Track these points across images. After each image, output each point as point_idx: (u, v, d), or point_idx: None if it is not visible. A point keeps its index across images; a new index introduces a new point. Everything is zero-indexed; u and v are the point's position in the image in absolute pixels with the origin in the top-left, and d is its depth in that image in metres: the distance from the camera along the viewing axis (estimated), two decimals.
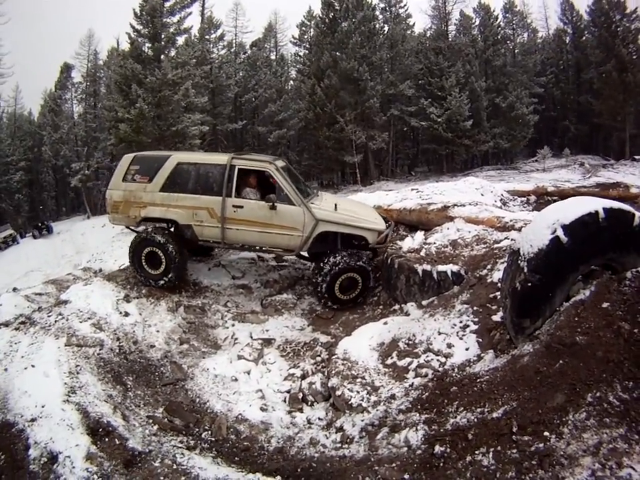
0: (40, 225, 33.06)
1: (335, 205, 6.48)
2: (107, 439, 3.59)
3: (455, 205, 7.31)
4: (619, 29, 31.21)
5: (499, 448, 2.96)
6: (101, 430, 3.64)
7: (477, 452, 3.03)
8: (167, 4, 24.00)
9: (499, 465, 2.87)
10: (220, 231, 6.37)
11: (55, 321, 5.10)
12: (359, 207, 7.30)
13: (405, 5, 38.13)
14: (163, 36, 23.91)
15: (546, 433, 2.87)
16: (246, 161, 6.48)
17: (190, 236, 6.51)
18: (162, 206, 6.42)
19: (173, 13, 24.32)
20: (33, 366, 4.23)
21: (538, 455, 2.79)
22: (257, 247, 6.73)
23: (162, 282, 6.38)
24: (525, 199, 10.10)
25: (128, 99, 22.90)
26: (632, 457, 2.56)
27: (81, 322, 5.10)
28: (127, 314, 5.54)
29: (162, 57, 24.05)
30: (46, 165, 41.04)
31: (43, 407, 3.72)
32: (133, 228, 6.90)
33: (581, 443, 2.73)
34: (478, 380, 3.65)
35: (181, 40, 26.48)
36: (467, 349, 4.27)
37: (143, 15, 23.36)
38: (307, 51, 38.36)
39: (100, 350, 4.74)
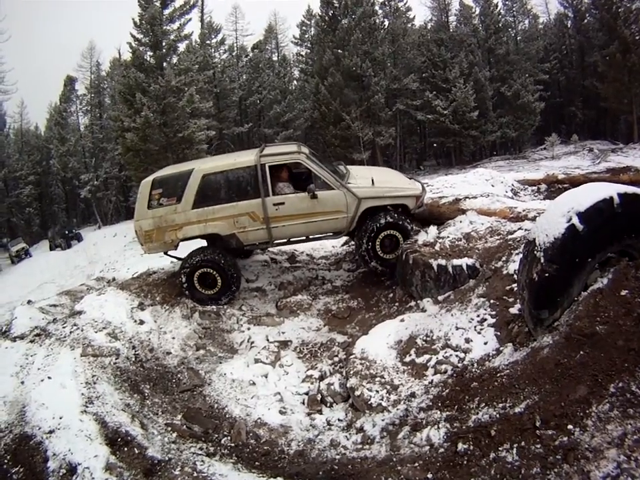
0: (68, 233, 31.40)
1: (372, 179, 6.49)
2: (125, 449, 3.59)
3: (466, 197, 7.22)
4: (620, 10, 30.68)
5: (522, 443, 2.91)
6: (119, 439, 3.65)
7: (500, 448, 2.98)
8: (166, 11, 24.04)
9: (523, 461, 2.83)
10: (266, 231, 6.38)
11: (70, 332, 5.12)
12: (392, 175, 7.48)
13: None
14: (164, 44, 23.93)
15: (570, 426, 2.82)
16: (275, 157, 6.41)
17: (235, 244, 6.49)
18: (199, 223, 6.34)
19: (172, 21, 24.34)
20: (49, 377, 4.25)
21: (562, 449, 2.75)
22: (304, 237, 6.79)
23: (223, 300, 6.43)
24: (536, 187, 9.97)
25: (133, 108, 23.00)
26: None
27: (96, 332, 5.12)
28: (141, 322, 5.56)
29: (164, 64, 24.10)
30: (55, 178, 41.38)
31: (60, 418, 3.73)
32: (171, 254, 6.85)
33: (605, 435, 2.67)
34: (498, 374, 3.60)
35: (182, 47, 26.57)
36: (485, 343, 4.21)
37: (143, 24, 23.41)
38: (308, 50, 38.39)
39: (116, 359, 4.76)
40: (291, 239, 6.79)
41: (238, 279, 6.56)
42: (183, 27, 24.72)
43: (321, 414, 4.39)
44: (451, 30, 33.01)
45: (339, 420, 4.23)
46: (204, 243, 7.00)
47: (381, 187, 6.48)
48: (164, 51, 23.93)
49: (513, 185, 9.73)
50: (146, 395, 4.48)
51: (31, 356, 4.75)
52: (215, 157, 7.90)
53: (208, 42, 33.61)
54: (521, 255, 4.05)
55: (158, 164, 23.27)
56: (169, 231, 6.40)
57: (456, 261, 5.38)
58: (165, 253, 6.91)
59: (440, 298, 5.32)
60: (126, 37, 24.56)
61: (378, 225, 6.33)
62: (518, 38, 36.30)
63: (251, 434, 4.09)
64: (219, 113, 31.23)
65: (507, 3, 36.92)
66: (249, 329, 6.01)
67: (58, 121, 38.21)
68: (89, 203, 38.03)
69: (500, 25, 35.12)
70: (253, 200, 6.26)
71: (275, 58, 38.99)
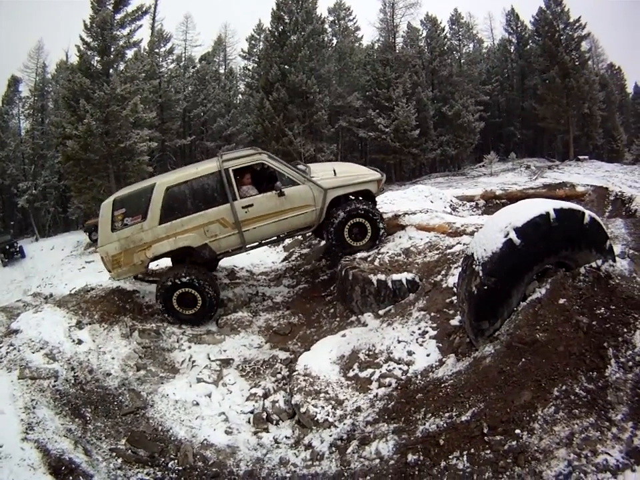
0: (9, 247, 26.47)
1: (333, 170, 6.61)
2: (70, 477, 3.41)
3: (406, 213, 7.40)
4: (562, 37, 33.19)
5: (472, 450, 2.99)
6: (63, 468, 3.45)
7: (450, 456, 3.04)
8: (118, 16, 23.44)
9: (474, 467, 2.89)
10: (238, 236, 6.28)
11: (7, 353, 4.78)
12: (350, 166, 7.66)
13: (354, 18, 39.13)
14: (112, 49, 23.29)
15: (517, 431, 2.92)
16: (238, 160, 6.35)
17: (209, 255, 6.32)
18: (168, 238, 6.11)
19: (123, 26, 23.73)
20: None
21: (512, 452, 2.84)
22: (276, 237, 6.76)
23: (206, 319, 6.27)
24: (474, 203, 10.39)
25: (76, 115, 22.13)
26: (605, 443, 2.65)
27: (33, 352, 4.80)
28: (80, 342, 5.27)
29: (111, 70, 23.43)
30: None
31: (1, 446, 3.48)
32: (142, 277, 6.62)
33: (553, 436, 2.79)
34: (442, 385, 3.68)
35: (130, 53, 25.89)
36: (428, 355, 4.30)
37: (93, 27, 22.67)
38: (255, 65, 38.27)
39: (55, 381, 4.49)
40: (261, 242, 6.71)
41: (218, 294, 6.38)
42: (133, 33, 24.20)
43: (268, 432, 4.30)
44: (397, 51, 34.06)
45: (286, 437, 4.16)
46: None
47: (343, 176, 6.61)
48: (112, 56, 23.27)
49: (451, 200, 10.09)
50: (88, 419, 4.24)
51: None
52: (174, 170, 7.69)
53: (156, 50, 32.94)
54: (459, 269, 4.18)
55: (98, 174, 22.57)
56: (138, 252, 6.11)
57: (395, 276, 5.50)
58: (135, 277, 6.64)
59: (381, 312, 5.40)
60: (75, 39, 23.55)
61: (346, 211, 6.40)
62: (462, 61, 38.05)
63: (198, 456, 3.95)
64: (162, 124, 30.54)
65: (453, 27, 38.84)
66: (189, 347, 5.81)
67: None
68: (27, 213, 35.63)
69: (445, 47, 36.81)
70: (221, 206, 6.16)
71: (221, 70, 38.78)
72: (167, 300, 6.12)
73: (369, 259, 6.22)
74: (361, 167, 7.48)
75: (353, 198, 6.59)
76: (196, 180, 6.20)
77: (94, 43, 23.06)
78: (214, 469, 3.83)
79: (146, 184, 6.45)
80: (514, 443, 2.87)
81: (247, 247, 6.53)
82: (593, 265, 3.60)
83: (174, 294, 6.11)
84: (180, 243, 6.14)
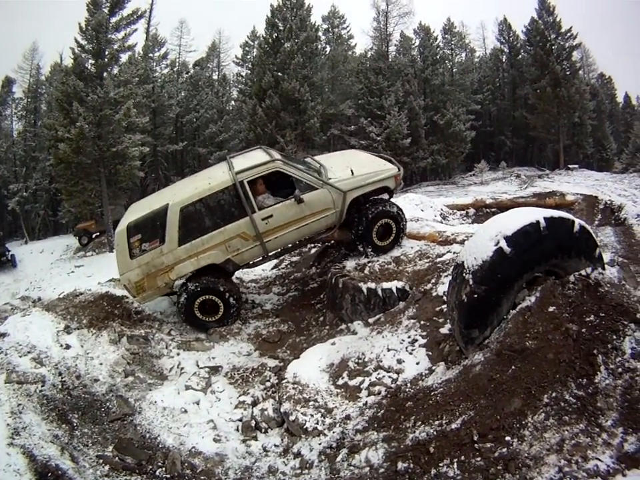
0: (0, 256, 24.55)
1: (351, 170, 6.43)
2: None
3: None
4: (553, 47, 33.58)
5: (462, 458, 2.99)
6: (49, 474, 3.42)
7: (440, 464, 3.04)
8: (113, 19, 23.28)
9: (464, 475, 2.89)
10: (260, 247, 6.20)
11: None
12: (366, 159, 7.38)
13: (348, 27, 39.34)
14: (106, 52, 23.11)
15: (507, 438, 2.93)
16: (251, 171, 6.13)
17: (232, 268, 6.28)
18: (190, 258, 6.00)
19: (118, 29, 23.52)
20: None
21: (502, 459, 2.84)
22: (298, 242, 6.69)
23: (228, 323, 6.22)
24: (464, 212, 10.50)
25: (68, 118, 21.90)
26: (596, 449, 2.67)
27: (20, 356, 4.75)
28: (68, 346, 5.21)
29: (105, 74, 23.29)
30: None
31: None
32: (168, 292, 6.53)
33: (543, 443, 2.81)
34: (432, 393, 3.68)
35: (124, 57, 25.68)
36: (417, 363, 4.32)
37: (88, 30, 22.50)
38: (249, 71, 38.23)
39: (42, 386, 4.44)
40: (283, 248, 6.69)
41: (239, 299, 6.36)
42: (127, 36, 23.99)
43: (257, 440, 4.28)
44: (390, 59, 34.27)
45: (275, 446, 4.14)
46: None
47: (361, 175, 6.43)
48: (106, 60, 23.10)
49: (442, 209, 10.18)
50: (75, 425, 4.19)
51: None
52: (180, 184, 7.40)
53: (151, 55, 32.86)
54: (450, 277, 4.20)
55: (89, 178, 22.39)
56: (160, 276, 6.03)
57: (385, 284, 5.51)
58: (162, 295, 6.59)
59: (370, 320, 5.41)
60: (70, 41, 23.19)
61: (374, 213, 6.37)
62: (454, 70, 38.34)
63: (186, 464, 3.91)
64: (154, 129, 30.43)
65: (446, 36, 39.17)
66: (178, 354, 5.75)
67: None
68: (17, 215, 35.25)
69: (438, 56, 37.02)
70: (241, 220, 6.03)
71: (215, 76, 38.69)
72: (188, 308, 6.08)
73: (358, 267, 6.23)
74: (375, 159, 7.28)
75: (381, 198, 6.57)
76: (210, 196, 6.02)
77: (88, 46, 22.89)
78: (202, 477, 3.81)
79: (157, 205, 6.16)
80: (504, 450, 2.88)
81: (270, 256, 6.53)
82: (583, 272, 3.63)
83: (195, 302, 6.07)
84: (202, 262, 6.05)
